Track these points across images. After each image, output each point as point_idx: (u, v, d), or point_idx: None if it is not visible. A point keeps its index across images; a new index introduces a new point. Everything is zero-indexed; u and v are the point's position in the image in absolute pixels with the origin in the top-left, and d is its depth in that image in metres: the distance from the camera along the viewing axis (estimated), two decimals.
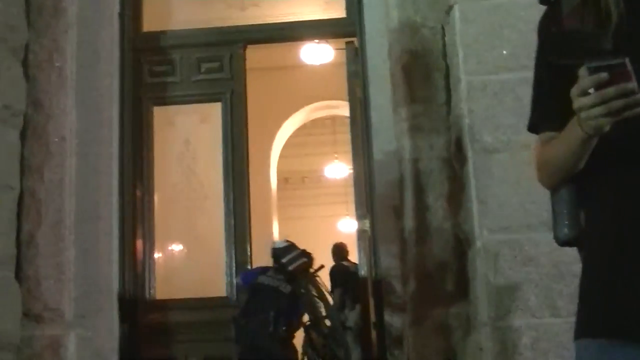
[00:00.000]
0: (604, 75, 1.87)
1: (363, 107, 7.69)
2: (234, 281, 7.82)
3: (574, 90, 1.95)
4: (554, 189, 2.29)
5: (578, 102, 1.95)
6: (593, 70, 1.91)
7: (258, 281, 7.24)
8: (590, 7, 2.14)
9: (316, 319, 7.93)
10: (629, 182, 2.05)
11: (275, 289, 7.17)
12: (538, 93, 2.36)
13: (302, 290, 7.54)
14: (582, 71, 1.94)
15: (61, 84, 7.11)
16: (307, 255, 7.70)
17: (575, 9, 2.14)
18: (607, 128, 1.95)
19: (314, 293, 7.91)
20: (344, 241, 11.53)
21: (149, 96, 8.27)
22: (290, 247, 7.70)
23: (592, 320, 2.07)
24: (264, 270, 7.51)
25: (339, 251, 10.76)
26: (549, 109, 2.30)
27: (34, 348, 6.63)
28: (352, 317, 8.98)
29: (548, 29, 2.28)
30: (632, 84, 1.87)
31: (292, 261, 7.48)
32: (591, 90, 1.92)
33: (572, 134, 2.07)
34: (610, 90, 1.87)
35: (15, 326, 6.56)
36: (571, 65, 2.00)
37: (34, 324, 6.69)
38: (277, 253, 7.59)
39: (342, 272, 9.77)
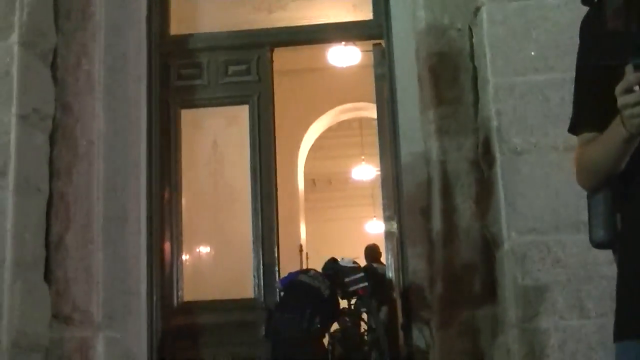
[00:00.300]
0: None
1: (390, 108, 7.69)
2: (262, 283, 7.84)
3: (619, 88, 1.93)
4: (591, 191, 2.26)
5: (622, 100, 1.94)
6: (639, 68, 1.90)
7: (298, 279, 7.23)
8: (634, 7, 2.11)
9: (347, 332, 7.87)
10: None
11: (315, 288, 7.15)
12: (579, 94, 2.31)
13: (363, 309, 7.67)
14: (628, 68, 1.92)
15: (89, 88, 7.15)
16: (367, 280, 7.61)
17: (619, 9, 2.11)
18: None
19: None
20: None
21: (177, 99, 8.31)
22: (356, 269, 7.68)
23: (633, 322, 2.04)
24: (305, 271, 7.52)
25: (372, 253, 10.61)
26: (590, 110, 2.26)
27: (63, 350, 6.67)
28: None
29: (591, 30, 2.24)
30: None
31: (354, 283, 7.46)
32: (636, 88, 1.91)
33: (615, 133, 2.04)
34: None
35: (44, 328, 6.61)
36: (615, 65, 1.97)
37: (63, 326, 6.73)
38: (343, 270, 7.52)
39: (372, 273, 9.66)
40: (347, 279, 7.43)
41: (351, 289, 7.46)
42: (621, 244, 2.15)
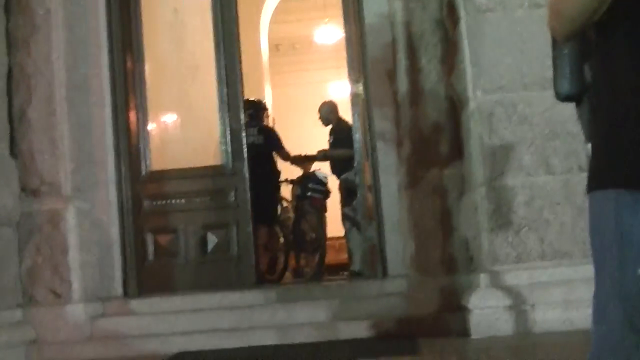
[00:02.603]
0: None
1: None
2: (229, 149, 7.83)
3: None
4: (564, 40, 2.20)
5: None
6: None
7: None
8: None
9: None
10: None
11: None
12: None
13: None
14: None
15: None
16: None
17: None
18: None
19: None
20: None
21: None
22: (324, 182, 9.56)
23: (611, 171, 2.04)
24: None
25: (335, 108, 9.98)
26: None
27: (33, 222, 6.68)
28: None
29: None
30: None
31: (314, 191, 9.47)
32: None
33: None
34: None
35: (14, 202, 6.61)
36: None
37: (31, 199, 6.73)
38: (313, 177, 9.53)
39: (347, 129, 9.34)
40: (310, 185, 9.40)
41: (308, 194, 9.40)
42: (594, 94, 2.13)
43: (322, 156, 9.63)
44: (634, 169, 1.97)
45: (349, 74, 7.95)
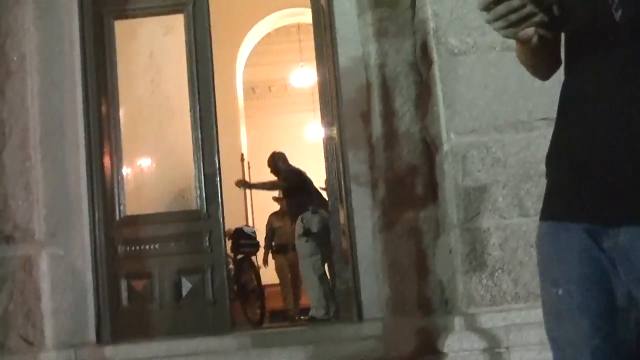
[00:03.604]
0: None
1: (327, 12, 7.60)
2: (204, 194, 7.82)
3: (478, 5, 2.01)
4: (543, 79, 2.33)
5: (484, 17, 2.01)
6: None
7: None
8: None
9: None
10: (575, 84, 2.11)
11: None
12: None
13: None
14: None
15: (16, 1, 6.95)
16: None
17: None
18: (528, 37, 2.03)
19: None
20: (312, 149, 11.51)
21: (110, 9, 8.11)
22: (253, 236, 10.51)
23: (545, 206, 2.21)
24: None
25: (281, 158, 10.33)
26: None
27: (6, 269, 6.62)
28: (314, 221, 9.09)
29: None
30: (516, 2, 1.94)
31: (245, 246, 10.25)
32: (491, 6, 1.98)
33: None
34: (500, 8, 1.95)
35: None
36: None
37: (4, 246, 6.67)
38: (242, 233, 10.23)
39: (297, 174, 9.70)
40: (242, 241, 10.09)
41: (242, 249, 10.15)
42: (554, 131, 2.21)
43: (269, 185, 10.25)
44: (547, 203, 2.19)
45: (322, 117, 7.99)
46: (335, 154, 7.69)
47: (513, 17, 1.97)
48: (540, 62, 2.23)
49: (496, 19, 1.99)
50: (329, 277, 9.29)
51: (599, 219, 2.04)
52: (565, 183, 2.10)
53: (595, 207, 2.05)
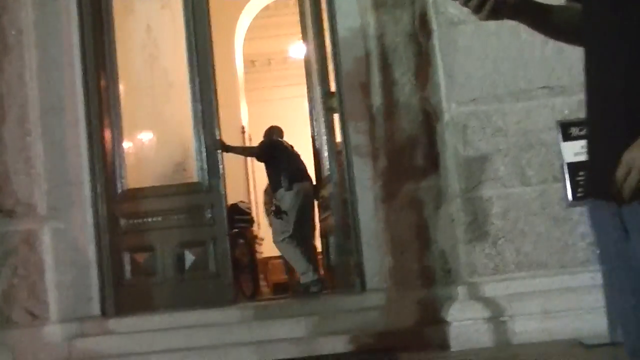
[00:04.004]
0: None
1: None
2: (205, 166, 7.83)
3: None
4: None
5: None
6: None
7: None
8: None
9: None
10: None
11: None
12: None
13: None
14: None
15: None
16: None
17: None
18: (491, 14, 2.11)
19: None
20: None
21: None
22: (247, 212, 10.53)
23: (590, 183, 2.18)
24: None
25: (275, 132, 10.12)
26: None
27: (9, 243, 6.65)
28: (286, 199, 9.01)
29: None
30: None
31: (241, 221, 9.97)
32: None
33: None
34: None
35: None
36: None
37: (7, 220, 6.69)
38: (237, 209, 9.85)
39: (269, 146, 9.57)
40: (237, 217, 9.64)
41: (236, 224, 9.59)
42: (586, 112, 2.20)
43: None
44: (589, 179, 2.17)
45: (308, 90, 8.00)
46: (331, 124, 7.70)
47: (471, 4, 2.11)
48: (542, 31, 2.26)
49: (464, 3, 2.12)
50: (315, 245, 9.24)
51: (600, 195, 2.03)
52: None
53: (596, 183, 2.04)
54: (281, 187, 8.89)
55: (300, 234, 8.92)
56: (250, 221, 10.75)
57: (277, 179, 9.02)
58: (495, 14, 2.12)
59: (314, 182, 9.00)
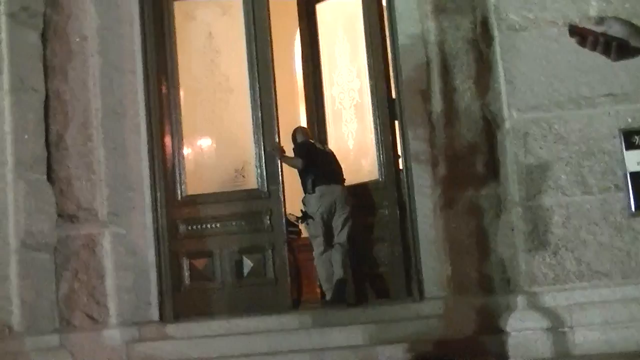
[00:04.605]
0: (576, 39, 2.29)
1: None
2: (264, 172, 7.86)
3: None
4: None
5: None
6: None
7: None
8: None
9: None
10: None
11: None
12: None
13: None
14: None
15: None
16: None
17: None
18: None
19: None
20: None
21: None
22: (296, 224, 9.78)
23: None
24: None
25: (299, 132, 9.14)
26: None
27: (70, 248, 6.73)
28: (311, 202, 8.47)
29: None
30: (590, 38, 2.26)
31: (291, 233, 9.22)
32: None
33: None
34: (588, 47, 2.25)
35: (50, 227, 6.66)
36: None
37: (68, 224, 6.77)
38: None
39: (310, 151, 8.68)
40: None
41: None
42: None
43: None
44: None
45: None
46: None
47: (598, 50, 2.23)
48: None
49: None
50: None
51: None
52: None
53: None
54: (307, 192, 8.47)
55: (331, 241, 8.41)
56: (299, 232, 10.67)
57: (305, 182, 8.57)
58: (624, 54, 2.14)
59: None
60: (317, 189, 8.37)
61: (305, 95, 9.52)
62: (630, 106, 5.59)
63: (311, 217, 8.42)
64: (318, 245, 8.42)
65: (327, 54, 9.08)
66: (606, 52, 2.06)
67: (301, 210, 8.67)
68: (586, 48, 2.07)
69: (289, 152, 8.53)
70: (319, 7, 9.02)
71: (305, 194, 8.56)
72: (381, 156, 8.13)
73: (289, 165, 8.34)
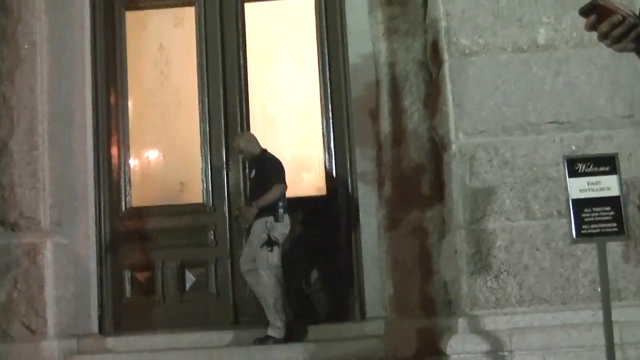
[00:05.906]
0: (591, 17, 2.12)
1: (339, 9, 7.60)
2: (210, 187, 7.80)
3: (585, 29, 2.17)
4: None
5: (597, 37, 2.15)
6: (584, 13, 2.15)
7: None
8: None
9: None
10: None
11: None
12: None
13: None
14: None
15: None
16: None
17: None
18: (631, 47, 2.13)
19: None
20: None
21: (121, 0, 8.11)
22: None
23: None
24: None
25: (254, 139, 7.74)
26: None
27: (11, 256, 6.62)
28: (278, 229, 7.24)
29: None
30: (617, 16, 2.08)
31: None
32: None
33: None
34: (604, 26, 2.10)
35: None
36: None
37: (10, 233, 6.67)
38: None
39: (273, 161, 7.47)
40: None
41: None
42: None
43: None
44: None
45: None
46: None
47: (618, 31, 2.09)
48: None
49: (602, 38, 2.13)
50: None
51: None
52: None
53: None
54: (271, 216, 7.25)
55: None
56: None
57: (276, 207, 7.28)
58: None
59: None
60: (285, 216, 7.27)
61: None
62: (574, 134, 5.67)
63: (276, 244, 7.19)
64: (278, 274, 7.22)
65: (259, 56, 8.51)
66: (618, 40, 2.08)
67: (268, 236, 7.23)
68: (597, 32, 2.09)
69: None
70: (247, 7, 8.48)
71: (273, 218, 7.24)
72: (332, 171, 8.04)
73: (270, 203, 7.36)
